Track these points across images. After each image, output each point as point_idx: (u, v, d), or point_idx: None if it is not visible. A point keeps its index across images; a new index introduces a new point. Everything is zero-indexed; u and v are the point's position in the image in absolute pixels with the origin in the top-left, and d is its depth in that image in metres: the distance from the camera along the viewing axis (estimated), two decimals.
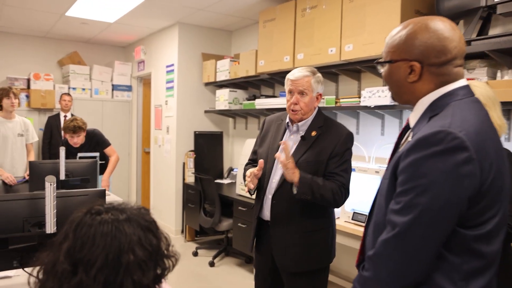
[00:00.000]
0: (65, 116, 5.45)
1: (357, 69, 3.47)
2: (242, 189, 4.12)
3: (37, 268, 0.93)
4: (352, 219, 2.93)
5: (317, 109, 2.17)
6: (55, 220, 1.62)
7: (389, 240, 1.06)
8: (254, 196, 2.24)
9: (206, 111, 5.30)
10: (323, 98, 3.38)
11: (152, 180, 5.83)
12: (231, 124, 5.49)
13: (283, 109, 3.99)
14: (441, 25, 1.11)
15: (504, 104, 2.36)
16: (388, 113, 3.28)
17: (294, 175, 1.96)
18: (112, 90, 6.27)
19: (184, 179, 5.20)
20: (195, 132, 5.23)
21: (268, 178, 2.14)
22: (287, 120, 2.19)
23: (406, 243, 1.03)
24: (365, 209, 2.90)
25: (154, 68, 5.73)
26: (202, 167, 5.18)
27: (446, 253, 1.05)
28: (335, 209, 2.22)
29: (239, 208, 4.05)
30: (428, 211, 1.00)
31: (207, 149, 5.30)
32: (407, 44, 1.13)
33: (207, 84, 5.25)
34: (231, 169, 5.29)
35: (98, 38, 6.03)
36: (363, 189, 2.90)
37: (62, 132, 4.34)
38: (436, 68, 1.11)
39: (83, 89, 6.02)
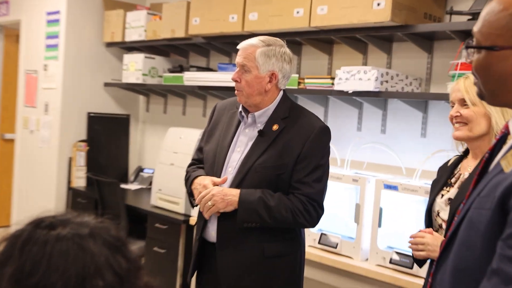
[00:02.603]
0: None
1: (330, 39, 3.72)
2: (160, 199, 4.21)
3: None
4: (319, 243, 3.17)
5: (281, 93, 2.34)
6: None
7: None
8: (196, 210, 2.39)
9: (107, 84, 5.31)
10: None
11: (17, 183, 5.75)
12: (143, 105, 5.56)
13: (224, 88, 4.18)
14: None
15: None
16: (369, 101, 3.55)
17: (228, 206, 2.15)
18: None
19: (69, 181, 5.17)
20: (89, 113, 5.23)
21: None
22: (241, 108, 2.33)
23: None
24: (337, 230, 3.16)
25: (27, 14, 5.62)
26: (97, 165, 5.18)
27: None
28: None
29: (156, 225, 4.15)
30: None
31: (106, 139, 5.32)
32: None
33: (110, 44, 5.26)
34: (140, 170, 5.36)
35: None
36: (335, 202, 3.15)
37: None
38: None
39: None
